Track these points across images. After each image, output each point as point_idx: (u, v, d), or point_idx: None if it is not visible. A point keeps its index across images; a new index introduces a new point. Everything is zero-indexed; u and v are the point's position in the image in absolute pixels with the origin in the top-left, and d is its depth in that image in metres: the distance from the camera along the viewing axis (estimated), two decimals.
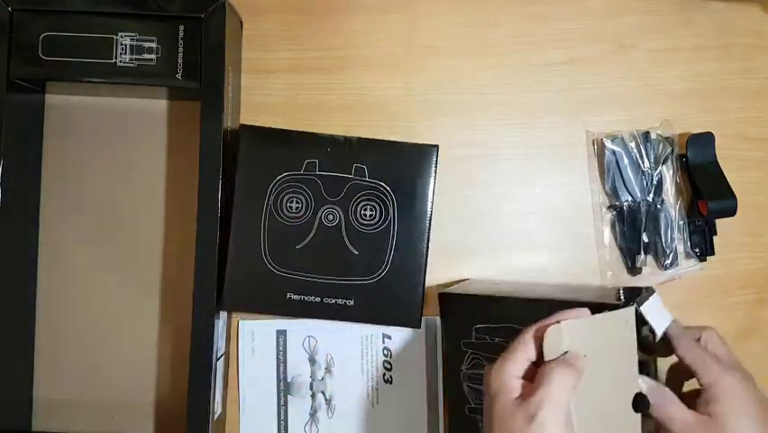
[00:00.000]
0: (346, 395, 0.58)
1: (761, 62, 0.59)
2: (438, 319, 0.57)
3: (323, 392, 0.58)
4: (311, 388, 0.58)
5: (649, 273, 0.58)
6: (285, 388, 0.58)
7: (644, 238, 0.57)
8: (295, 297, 0.54)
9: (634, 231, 0.57)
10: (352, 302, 0.54)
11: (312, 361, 0.58)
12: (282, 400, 0.58)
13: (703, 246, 0.58)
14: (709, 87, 0.59)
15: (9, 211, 0.54)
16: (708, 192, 0.56)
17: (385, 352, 0.58)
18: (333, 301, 0.54)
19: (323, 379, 0.58)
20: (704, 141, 0.57)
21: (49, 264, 0.57)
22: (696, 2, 0.59)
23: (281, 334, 0.58)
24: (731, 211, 0.55)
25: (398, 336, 0.58)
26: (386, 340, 0.58)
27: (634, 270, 0.58)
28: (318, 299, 0.54)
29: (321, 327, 0.58)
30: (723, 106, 0.59)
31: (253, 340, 0.58)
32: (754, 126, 0.59)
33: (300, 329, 0.58)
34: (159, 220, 0.58)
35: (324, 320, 0.57)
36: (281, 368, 0.58)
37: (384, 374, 0.58)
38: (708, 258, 0.58)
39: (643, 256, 0.57)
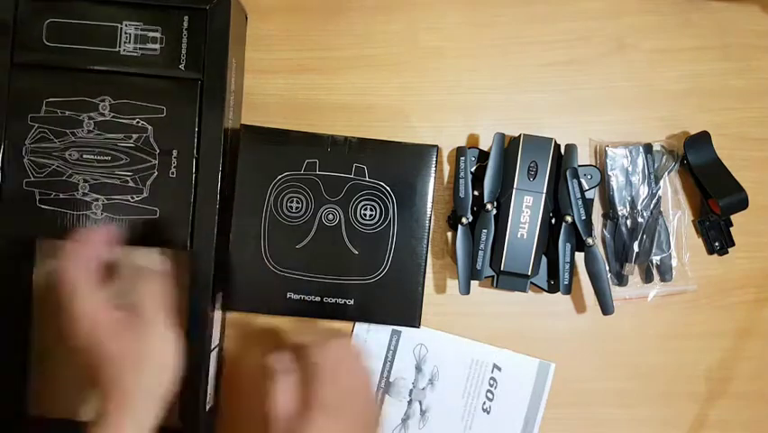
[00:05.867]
0: (442, 411, 0.58)
1: (760, 62, 0.59)
2: (552, 367, 0.58)
3: (420, 402, 0.58)
4: (410, 394, 0.58)
5: (637, 284, 0.58)
6: (385, 386, 0.58)
7: (635, 248, 0.56)
8: (295, 296, 0.54)
9: (626, 242, 0.57)
10: (351, 302, 0.54)
11: (418, 369, 0.58)
12: (379, 397, 0.58)
13: (722, 240, 0.58)
14: (709, 87, 0.59)
15: (9, 196, 0.53)
16: (715, 191, 0.55)
17: (491, 382, 0.58)
18: (333, 301, 0.54)
19: (424, 389, 0.58)
20: (701, 141, 0.57)
21: (46, 251, 0.56)
22: (695, 2, 0.59)
23: (396, 333, 0.58)
24: (743, 204, 0.55)
25: (509, 370, 0.58)
26: (495, 370, 0.58)
27: (621, 277, 0.57)
28: (318, 299, 0.54)
29: (433, 337, 0.58)
30: (722, 106, 0.59)
31: (368, 332, 0.58)
32: (754, 126, 0.59)
33: (414, 335, 0.58)
34: None
35: (437, 332, 0.57)
36: (387, 366, 0.58)
37: (484, 403, 0.58)
38: (711, 256, 0.58)
39: (629, 266, 0.57)
